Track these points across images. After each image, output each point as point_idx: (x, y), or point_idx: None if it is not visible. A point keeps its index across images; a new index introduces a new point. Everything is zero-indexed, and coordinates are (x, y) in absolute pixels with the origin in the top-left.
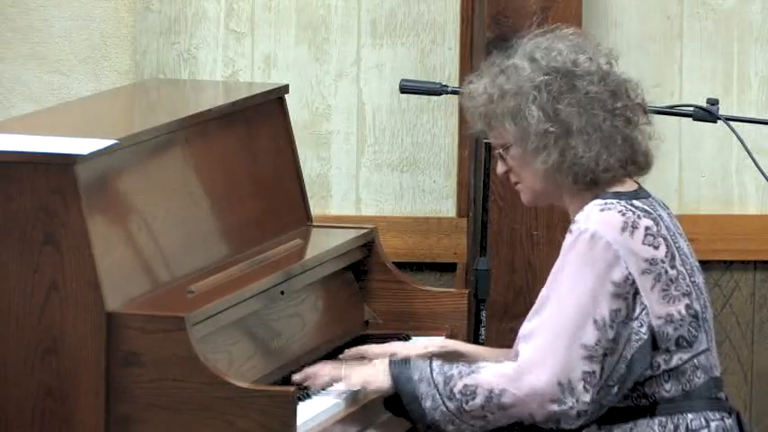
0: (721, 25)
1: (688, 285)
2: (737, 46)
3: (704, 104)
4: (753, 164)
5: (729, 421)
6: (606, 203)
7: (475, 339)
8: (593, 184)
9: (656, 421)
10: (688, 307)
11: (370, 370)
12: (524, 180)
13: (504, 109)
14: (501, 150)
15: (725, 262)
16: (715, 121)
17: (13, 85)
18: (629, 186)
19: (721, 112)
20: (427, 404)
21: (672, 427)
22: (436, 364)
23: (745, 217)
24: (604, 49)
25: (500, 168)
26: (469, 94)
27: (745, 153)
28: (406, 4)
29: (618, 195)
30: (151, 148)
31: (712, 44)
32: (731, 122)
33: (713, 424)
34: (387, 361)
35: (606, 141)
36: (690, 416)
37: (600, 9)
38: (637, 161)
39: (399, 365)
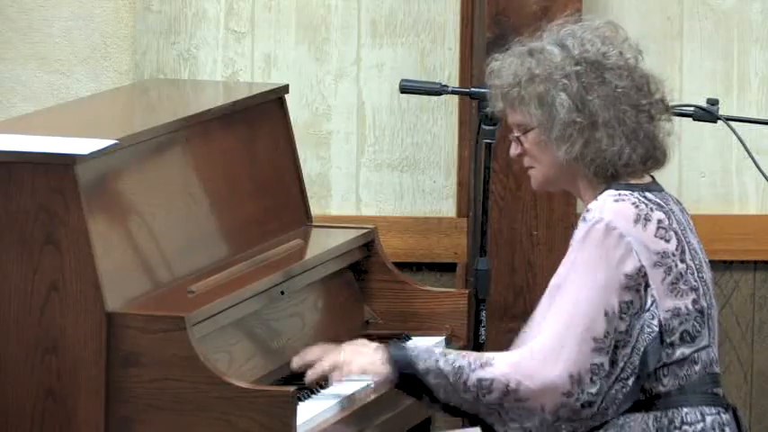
0: (721, 25)
1: (696, 281)
2: (737, 46)
3: (704, 104)
4: (753, 164)
5: (726, 416)
6: (620, 194)
7: (475, 339)
8: (612, 178)
9: (651, 416)
10: (695, 302)
11: (368, 357)
12: (539, 165)
13: (531, 93)
14: (519, 133)
15: (725, 262)
16: (715, 121)
17: (13, 85)
18: (643, 179)
19: (721, 112)
20: (440, 395)
21: (666, 421)
22: (439, 352)
23: (745, 217)
24: (633, 43)
25: (514, 151)
26: (496, 73)
27: (745, 153)
28: (406, 4)
29: (631, 187)
30: (151, 148)
31: (712, 44)
32: (731, 122)
33: (709, 418)
34: (383, 347)
35: (630, 137)
36: (685, 410)
37: (600, 9)
38: (656, 157)
39: (398, 350)
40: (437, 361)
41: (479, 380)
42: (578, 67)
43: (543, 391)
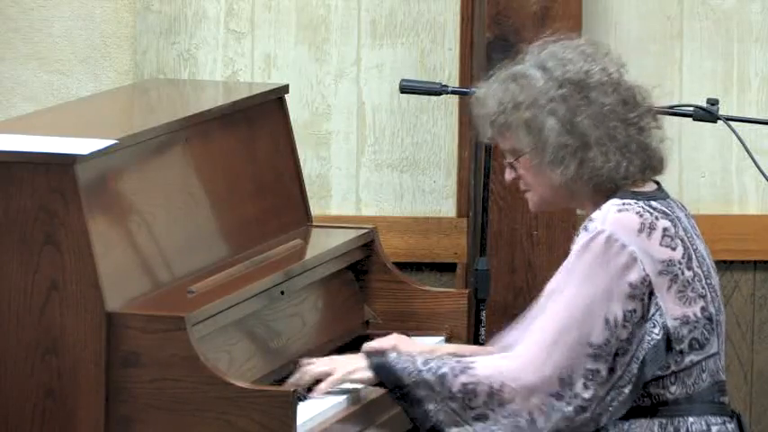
0: (721, 25)
1: (704, 287)
2: (737, 46)
3: (704, 104)
4: (753, 164)
5: (731, 426)
6: (624, 204)
7: (475, 339)
8: (613, 191)
9: (656, 422)
10: (703, 309)
11: (350, 365)
12: (536, 188)
13: (518, 120)
14: (512, 159)
15: (725, 262)
16: (715, 121)
17: (13, 85)
18: (648, 187)
19: (721, 112)
20: (430, 407)
21: (672, 429)
22: (421, 361)
23: (745, 217)
24: (615, 58)
25: (508, 176)
26: (481, 101)
27: (745, 153)
28: (406, 4)
29: (636, 195)
30: (151, 148)
31: (712, 44)
32: (731, 122)
33: (714, 428)
34: (363, 355)
35: (623, 150)
36: (690, 419)
37: (600, 9)
38: (654, 166)
39: (377, 360)
40: (420, 371)
41: (464, 384)
42: (563, 90)
43: (529, 392)
